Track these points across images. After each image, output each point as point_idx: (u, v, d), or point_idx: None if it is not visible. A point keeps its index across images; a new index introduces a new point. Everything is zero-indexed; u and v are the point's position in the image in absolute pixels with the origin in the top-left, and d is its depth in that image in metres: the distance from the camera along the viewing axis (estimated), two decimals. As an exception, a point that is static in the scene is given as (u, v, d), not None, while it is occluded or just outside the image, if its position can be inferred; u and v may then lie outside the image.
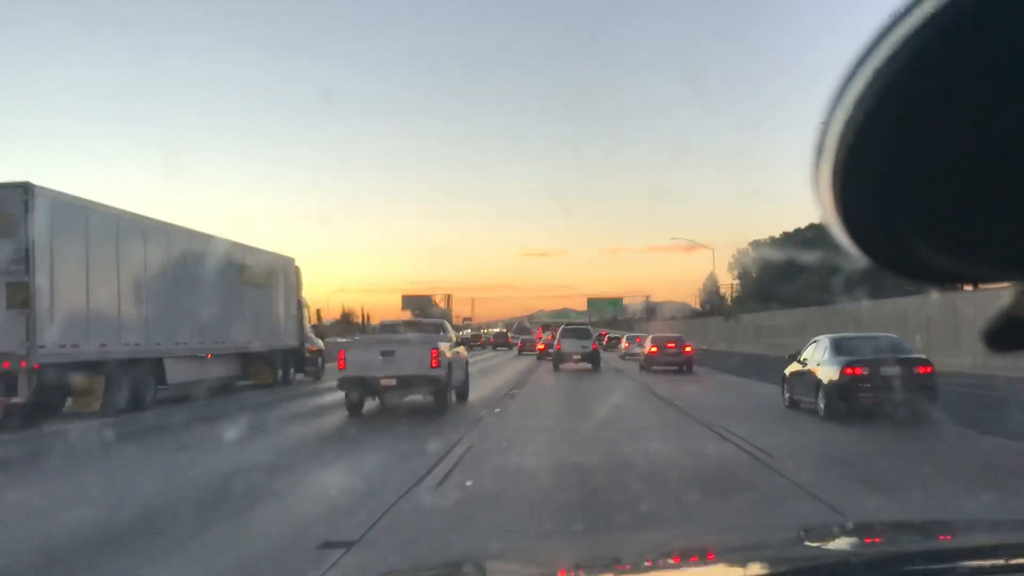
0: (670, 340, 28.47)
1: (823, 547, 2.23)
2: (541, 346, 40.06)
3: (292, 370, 24.29)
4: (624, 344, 42.01)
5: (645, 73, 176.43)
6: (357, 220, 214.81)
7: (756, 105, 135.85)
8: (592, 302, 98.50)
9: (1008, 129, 0.56)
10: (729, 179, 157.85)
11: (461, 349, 18.06)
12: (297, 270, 25.18)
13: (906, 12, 0.54)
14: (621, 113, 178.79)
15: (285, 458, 9.95)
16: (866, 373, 12.45)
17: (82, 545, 5.85)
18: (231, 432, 12.44)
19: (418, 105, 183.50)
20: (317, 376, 25.65)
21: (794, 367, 14.59)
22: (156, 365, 16.66)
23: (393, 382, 14.37)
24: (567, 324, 35.71)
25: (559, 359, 29.83)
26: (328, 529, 6.21)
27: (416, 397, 15.06)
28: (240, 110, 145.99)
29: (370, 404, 15.14)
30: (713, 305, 70.49)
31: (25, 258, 13.14)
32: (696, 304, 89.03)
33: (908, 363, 12.70)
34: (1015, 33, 0.52)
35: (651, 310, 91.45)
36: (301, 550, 5.69)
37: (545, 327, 71.57)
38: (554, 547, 3.21)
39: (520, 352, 51.63)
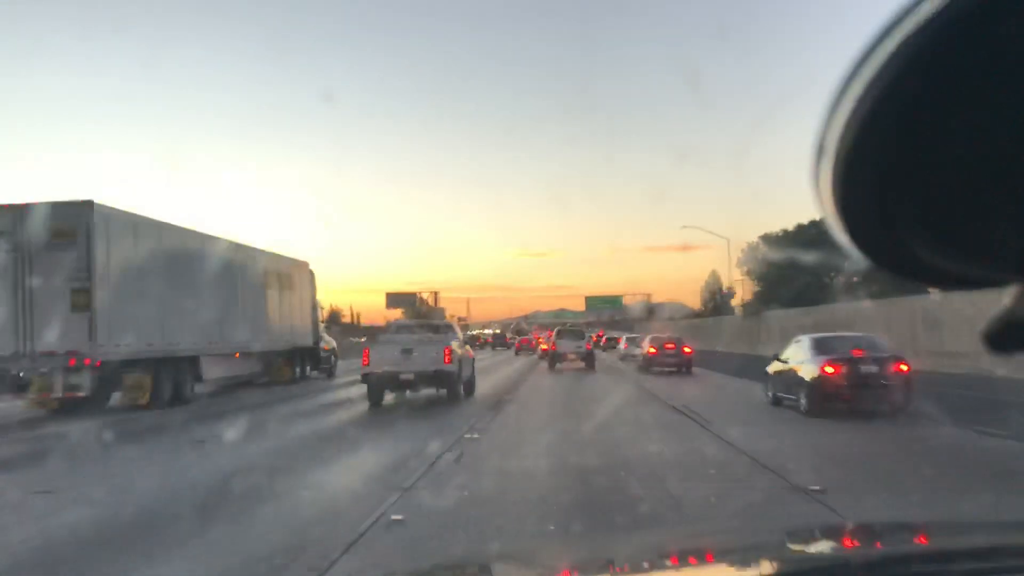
0: (669, 341, 28.61)
1: (822, 548, 2.25)
2: (545, 346, 38.88)
3: (308, 368, 25.93)
4: (623, 345, 41.25)
5: (644, 72, 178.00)
6: (353, 220, 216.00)
7: (756, 105, 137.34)
8: (590, 300, 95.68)
9: (1008, 129, 0.56)
10: (728, 179, 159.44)
11: (468, 348, 19.78)
12: (312, 274, 26.84)
13: (906, 12, 0.54)
14: (619, 113, 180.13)
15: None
16: (844, 371, 13.00)
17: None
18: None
19: (415, 105, 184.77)
20: (330, 373, 27.31)
21: (776, 366, 15.19)
22: (194, 363, 18.27)
23: (411, 377, 16.14)
24: (563, 325, 37.54)
25: (555, 359, 31.05)
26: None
27: (430, 390, 16.80)
28: (237, 110, 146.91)
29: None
30: (716, 304, 69.29)
31: (87, 266, 14.78)
32: (697, 304, 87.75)
33: (884, 361, 13.27)
34: (1015, 33, 0.52)
35: (650, 310, 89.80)
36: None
37: (544, 327, 72.97)
38: (553, 547, 3.28)
39: (517, 352, 52.71)
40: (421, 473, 8.36)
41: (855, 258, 0.68)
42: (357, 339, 48.08)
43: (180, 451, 10.85)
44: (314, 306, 26.80)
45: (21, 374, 14.95)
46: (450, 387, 16.52)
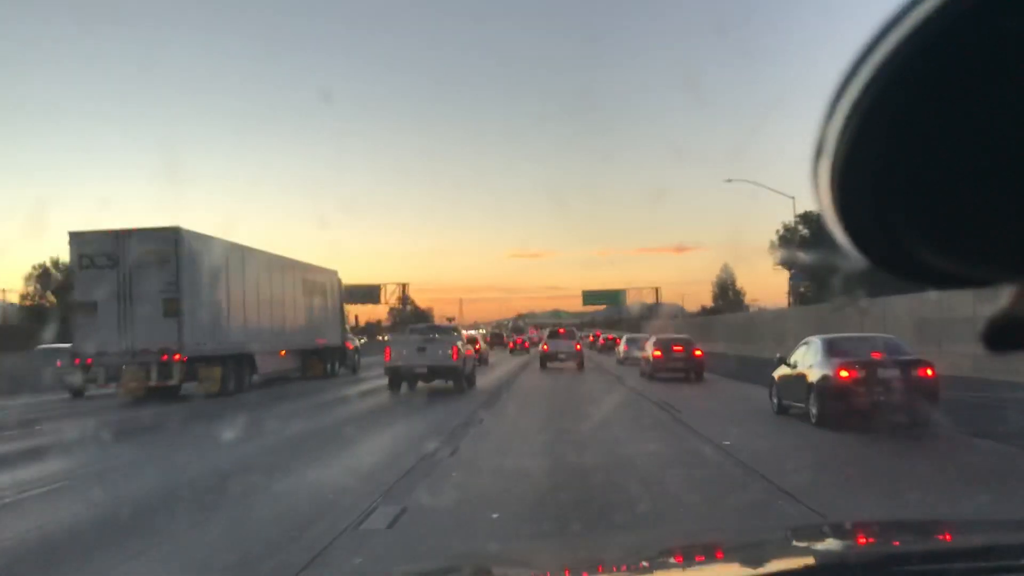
0: (677, 342, 25.41)
1: (821, 547, 2.25)
2: (547, 346, 36.32)
3: (336, 364, 29.48)
4: (622, 346, 37.54)
5: (641, 74, 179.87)
6: (347, 219, 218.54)
7: (754, 105, 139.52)
8: (588, 295, 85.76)
9: (1007, 129, 0.56)
10: (723, 181, 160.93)
11: (470, 347, 23.40)
12: (340, 280, 30.44)
13: (905, 11, 0.55)
14: (616, 114, 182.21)
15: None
16: (862, 376, 11.77)
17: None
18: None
19: (411, 106, 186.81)
20: (354, 370, 30.86)
21: (783, 370, 14.05)
22: (251, 359, 21.83)
23: (424, 370, 19.75)
24: (554, 327, 38.97)
25: (546, 359, 32.27)
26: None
27: (439, 382, 20.38)
28: (235, 110, 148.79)
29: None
30: (729, 301, 66.05)
31: (176, 280, 18.34)
32: (693, 306, 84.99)
33: (907, 365, 11.94)
34: (1014, 33, 0.52)
35: (649, 310, 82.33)
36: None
37: (541, 327, 75.46)
38: (552, 548, 3.34)
39: (511, 351, 54.01)
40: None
41: (854, 257, 0.67)
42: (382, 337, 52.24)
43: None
44: (341, 309, 30.43)
45: (123, 367, 18.47)
46: (456, 379, 20.08)
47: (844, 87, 0.59)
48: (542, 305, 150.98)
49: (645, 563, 2.16)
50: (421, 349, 19.87)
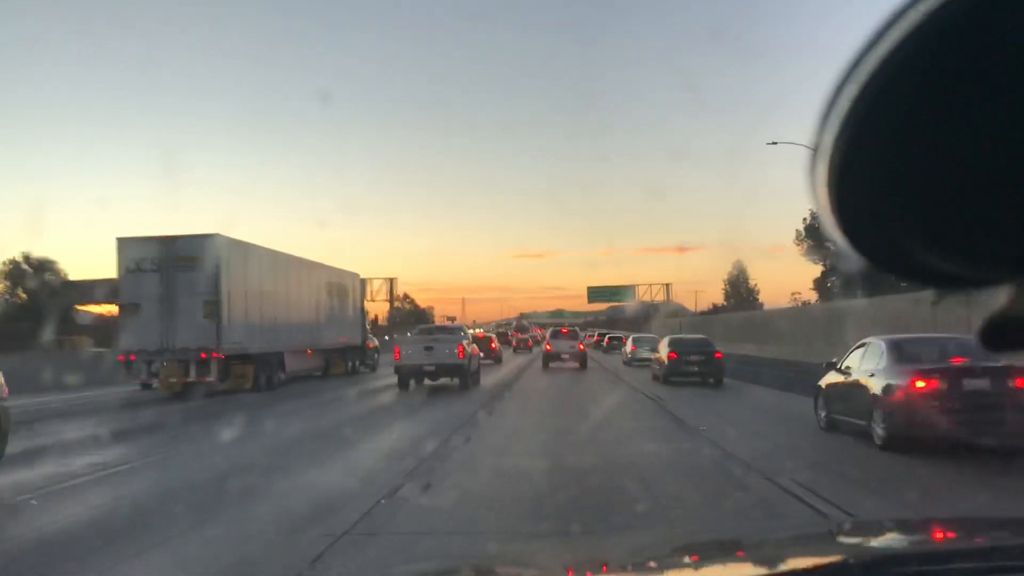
0: (694, 342, 23.65)
1: (821, 547, 2.26)
2: (548, 346, 35.46)
3: (357, 362, 30.76)
4: (629, 346, 36.05)
5: (640, 73, 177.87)
6: (347, 220, 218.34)
7: (753, 105, 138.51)
8: (593, 292, 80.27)
9: (1005, 129, 0.56)
10: (726, 180, 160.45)
11: (474, 346, 24.61)
12: (362, 282, 31.74)
13: (903, 12, 0.55)
14: (617, 113, 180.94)
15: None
16: (943, 387, 9.66)
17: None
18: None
19: (412, 107, 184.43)
20: (374, 368, 32.08)
21: (832, 377, 12.09)
22: (280, 358, 23.11)
23: (432, 368, 20.87)
24: (556, 327, 39.07)
25: (548, 358, 31.98)
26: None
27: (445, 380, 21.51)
28: (232, 108, 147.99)
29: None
30: (742, 299, 63.98)
31: (215, 283, 19.63)
32: (693, 306, 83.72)
33: (999, 373, 9.69)
34: (1013, 33, 0.52)
35: (648, 309, 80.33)
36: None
37: (545, 327, 76.03)
38: (551, 548, 3.38)
39: (515, 350, 54.69)
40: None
41: (851, 258, 0.67)
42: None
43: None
44: (362, 310, 31.73)
45: (164, 363, 19.78)
46: (462, 377, 21.24)
47: (842, 87, 0.59)
48: (544, 305, 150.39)
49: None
50: (428, 348, 20.96)
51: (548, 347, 32.62)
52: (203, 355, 19.52)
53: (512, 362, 39.20)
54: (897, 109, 0.58)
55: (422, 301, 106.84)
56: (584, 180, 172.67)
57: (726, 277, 74.75)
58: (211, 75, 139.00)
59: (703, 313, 74.46)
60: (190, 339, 19.49)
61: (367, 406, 18.30)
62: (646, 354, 30.00)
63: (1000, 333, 0.72)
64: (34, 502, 7.78)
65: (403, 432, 13.05)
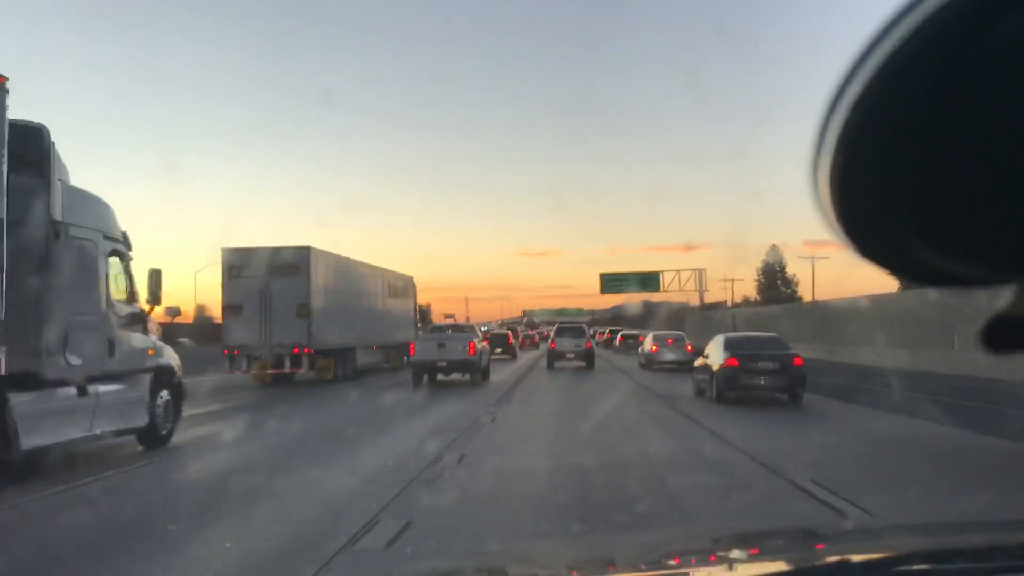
0: (762, 344, 16.94)
1: (821, 548, 2.29)
2: (553, 344, 32.35)
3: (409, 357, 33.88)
4: (649, 346, 29.79)
5: (643, 72, 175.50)
6: (350, 219, 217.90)
7: (756, 103, 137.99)
8: (607, 280, 63.29)
9: (1007, 129, 0.56)
10: (728, 178, 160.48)
11: (485, 343, 27.15)
12: (415, 284, 34.92)
13: (905, 12, 0.55)
14: (620, 112, 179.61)
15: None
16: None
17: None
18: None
19: (415, 105, 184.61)
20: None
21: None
22: (353, 352, 26.22)
23: (445, 364, 23.31)
24: (561, 323, 36.79)
25: (553, 357, 30.33)
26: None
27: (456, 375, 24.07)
28: (234, 109, 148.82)
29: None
30: (778, 291, 55.00)
31: (307, 288, 22.77)
32: (696, 303, 71.92)
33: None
34: (1015, 32, 0.52)
35: (647, 308, 73.22)
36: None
37: (551, 325, 73.48)
38: (552, 548, 3.42)
39: (521, 348, 52.76)
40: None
41: (852, 256, 0.67)
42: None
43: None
44: (415, 309, 34.88)
45: (262, 357, 22.96)
46: (473, 373, 23.61)
47: (845, 85, 0.59)
48: (548, 303, 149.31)
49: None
50: (441, 345, 23.25)
51: (553, 345, 30.74)
52: (296, 350, 22.66)
53: (520, 359, 41.10)
54: (900, 108, 0.59)
55: (423, 300, 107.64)
56: (588, 178, 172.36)
57: (759, 266, 65.11)
58: (213, 75, 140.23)
59: (735, 306, 62.08)
60: (285, 336, 22.63)
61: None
62: (671, 356, 27.28)
63: (1002, 335, 0.72)
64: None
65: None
